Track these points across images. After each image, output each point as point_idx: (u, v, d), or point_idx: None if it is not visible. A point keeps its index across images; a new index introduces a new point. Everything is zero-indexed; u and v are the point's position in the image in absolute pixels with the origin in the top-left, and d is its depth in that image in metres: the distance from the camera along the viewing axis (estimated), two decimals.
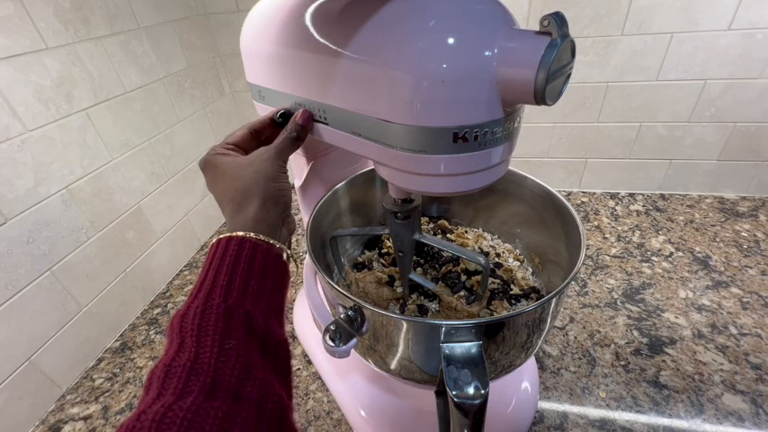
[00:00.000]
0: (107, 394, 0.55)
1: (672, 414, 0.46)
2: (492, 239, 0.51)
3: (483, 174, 0.29)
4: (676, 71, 0.70)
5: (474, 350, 0.28)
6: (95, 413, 0.52)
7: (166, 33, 0.70)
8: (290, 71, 0.35)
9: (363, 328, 0.33)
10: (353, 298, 0.31)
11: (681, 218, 0.77)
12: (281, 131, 0.33)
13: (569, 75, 0.25)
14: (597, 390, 0.49)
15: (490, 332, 0.30)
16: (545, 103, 0.24)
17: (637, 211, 0.80)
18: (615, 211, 0.81)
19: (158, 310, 0.68)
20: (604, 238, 0.74)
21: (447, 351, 0.28)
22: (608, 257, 0.69)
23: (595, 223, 0.78)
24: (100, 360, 0.60)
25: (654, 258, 0.68)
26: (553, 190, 0.40)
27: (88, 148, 0.57)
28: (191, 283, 0.73)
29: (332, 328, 0.32)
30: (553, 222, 0.41)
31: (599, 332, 0.56)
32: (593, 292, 0.63)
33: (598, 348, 0.54)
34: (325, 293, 0.37)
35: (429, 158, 0.27)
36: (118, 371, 0.58)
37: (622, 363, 0.52)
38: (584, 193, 0.87)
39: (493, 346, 0.31)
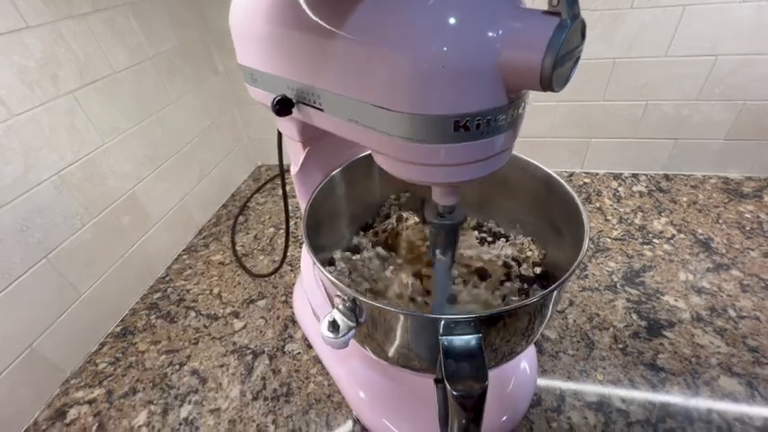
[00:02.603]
0: (110, 378, 0.55)
1: (668, 396, 0.46)
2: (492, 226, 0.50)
3: (485, 162, 0.28)
4: (686, 46, 0.67)
5: (473, 343, 0.28)
6: (100, 397, 0.53)
7: (154, 9, 0.67)
8: (282, 52, 0.33)
9: (361, 319, 0.33)
10: (350, 291, 0.30)
11: (684, 199, 0.76)
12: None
13: (578, 58, 0.24)
14: (595, 373, 0.50)
15: (490, 324, 0.29)
16: (552, 90, 0.23)
17: (640, 191, 0.79)
18: (618, 192, 0.80)
19: (158, 294, 0.68)
20: (606, 220, 0.73)
21: (446, 343, 0.28)
22: (609, 240, 0.69)
23: (597, 205, 0.77)
24: (102, 345, 0.60)
25: (655, 241, 0.67)
26: (558, 177, 0.39)
27: (78, 133, 0.55)
28: (190, 268, 0.73)
29: (329, 319, 0.32)
30: (556, 210, 0.40)
31: (598, 315, 0.56)
32: (594, 275, 0.63)
33: (597, 332, 0.54)
34: (322, 283, 0.36)
35: (428, 148, 0.26)
36: (120, 355, 0.58)
37: (620, 346, 0.52)
38: (586, 173, 0.86)
39: (494, 334, 0.31)
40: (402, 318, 0.29)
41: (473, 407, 0.27)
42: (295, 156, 0.44)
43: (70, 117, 0.54)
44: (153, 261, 0.71)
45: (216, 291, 0.67)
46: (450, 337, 0.28)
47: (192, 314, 0.64)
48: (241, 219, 0.84)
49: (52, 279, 0.53)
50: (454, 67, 0.23)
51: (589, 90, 0.75)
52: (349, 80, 0.28)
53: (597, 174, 0.85)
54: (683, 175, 0.82)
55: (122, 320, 0.64)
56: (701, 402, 0.46)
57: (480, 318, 0.28)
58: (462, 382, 0.27)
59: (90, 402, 0.53)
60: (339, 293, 0.33)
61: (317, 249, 0.41)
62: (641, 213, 0.74)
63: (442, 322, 0.28)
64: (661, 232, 0.69)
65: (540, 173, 0.41)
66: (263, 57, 0.35)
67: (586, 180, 0.84)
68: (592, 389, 0.48)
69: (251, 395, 0.51)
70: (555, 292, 0.30)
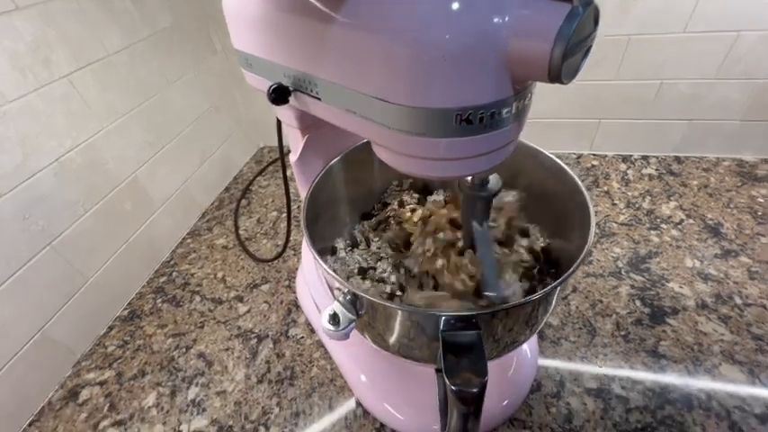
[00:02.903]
0: (120, 361, 0.57)
1: (668, 383, 0.47)
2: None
3: (488, 156, 0.27)
4: (707, 21, 0.64)
5: (473, 338, 0.28)
6: (110, 378, 0.55)
7: None
8: (277, 37, 0.31)
9: (362, 311, 0.32)
10: (349, 285, 0.30)
11: (695, 182, 0.74)
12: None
13: (590, 47, 0.22)
14: (596, 359, 0.50)
15: (492, 318, 0.29)
16: (560, 82, 0.21)
17: (649, 174, 0.77)
18: (626, 175, 0.78)
19: (164, 278, 0.69)
20: (613, 204, 0.72)
21: (446, 338, 0.28)
22: (615, 225, 0.68)
23: (605, 188, 0.75)
24: (111, 328, 0.62)
25: (663, 226, 0.66)
26: (565, 165, 0.38)
27: (75, 118, 0.54)
28: (194, 252, 0.74)
29: (329, 312, 0.32)
30: (562, 198, 0.39)
31: (601, 302, 0.56)
32: (598, 261, 0.62)
33: (599, 318, 0.54)
34: (324, 278, 0.36)
35: (429, 141, 0.25)
36: (128, 338, 0.60)
37: (622, 333, 0.52)
38: (594, 155, 0.84)
39: (497, 325, 0.31)
40: (402, 314, 0.29)
41: (472, 401, 0.27)
42: (294, 143, 0.43)
43: (66, 102, 0.53)
44: (157, 245, 0.72)
45: (220, 275, 0.68)
46: (450, 332, 0.28)
47: (198, 298, 0.64)
48: (244, 202, 0.84)
49: (58, 265, 0.54)
50: (457, 56, 0.22)
51: (601, 69, 0.72)
52: (346, 69, 0.26)
53: (606, 156, 0.83)
54: (696, 157, 0.79)
55: (129, 304, 0.65)
56: (702, 390, 0.46)
57: (481, 314, 0.27)
58: (462, 377, 0.27)
59: (101, 384, 0.54)
60: (339, 286, 0.32)
61: (318, 239, 0.41)
62: (650, 197, 0.72)
63: (443, 318, 0.28)
64: (669, 217, 0.68)
65: (547, 161, 0.40)
66: (258, 41, 0.34)
67: (594, 162, 0.82)
68: (592, 375, 0.48)
69: (256, 378, 0.52)
70: (558, 288, 0.29)
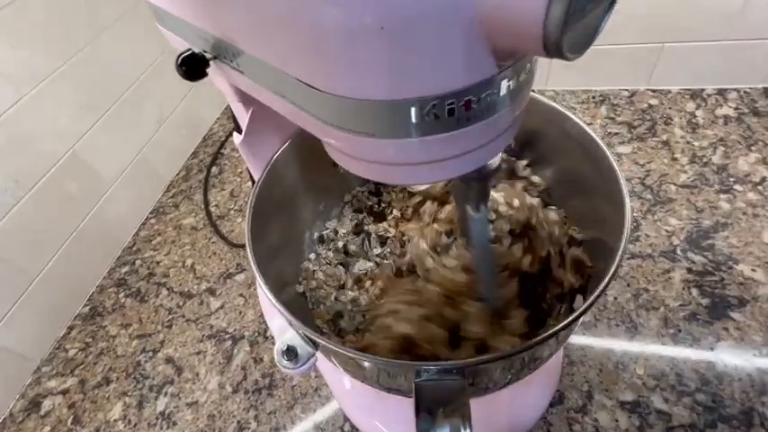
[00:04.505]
0: (82, 367, 0.58)
1: (723, 395, 0.44)
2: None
3: (473, 153, 0.22)
4: None
5: (456, 391, 0.25)
6: (73, 387, 0.56)
7: None
8: None
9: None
10: (305, 328, 0.27)
11: None
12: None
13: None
14: (634, 365, 0.47)
15: (480, 365, 0.26)
16: (562, 57, 0.16)
17: (725, 116, 0.68)
18: (694, 117, 0.69)
19: (126, 268, 0.69)
20: (673, 159, 0.64)
21: (421, 392, 0.25)
22: (674, 187, 0.61)
23: (664, 137, 0.67)
24: (71, 328, 0.63)
25: (737, 187, 0.59)
26: (601, 141, 0.32)
27: None
28: (159, 234, 0.72)
29: (282, 347, 0.30)
30: (593, 181, 0.34)
31: (647, 291, 0.52)
32: (647, 237, 0.57)
33: (642, 312, 0.50)
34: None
35: (379, 143, 0.20)
36: (90, 340, 0.61)
37: (671, 331, 0.49)
38: (653, 92, 0.74)
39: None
40: (368, 363, 0.26)
41: None
42: (238, 118, 0.38)
43: None
44: (116, 229, 0.71)
45: (189, 263, 0.67)
46: (426, 383, 0.25)
47: (164, 291, 0.64)
48: (214, 170, 0.81)
49: None
50: (404, 25, 0.16)
51: None
52: (261, 38, 0.21)
53: (669, 92, 0.74)
54: None
55: (90, 299, 0.66)
56: (765, 416, 0.43)
57: (465, 365, 0.24)
58: None
59: (63, 393, 0.56)
60: (289, 319, 0.30)
61: (265, 262, 0.37)
62: (723, 148, 0.64)
63: (420, 370, 0.25)
64: (747, 175, 0.60)
65: (575, 128, 0.34)
66: None
67: (653, 102, 0.73)
68: (628, 385, 0.46)
69: (231, 387, 0.53)
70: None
